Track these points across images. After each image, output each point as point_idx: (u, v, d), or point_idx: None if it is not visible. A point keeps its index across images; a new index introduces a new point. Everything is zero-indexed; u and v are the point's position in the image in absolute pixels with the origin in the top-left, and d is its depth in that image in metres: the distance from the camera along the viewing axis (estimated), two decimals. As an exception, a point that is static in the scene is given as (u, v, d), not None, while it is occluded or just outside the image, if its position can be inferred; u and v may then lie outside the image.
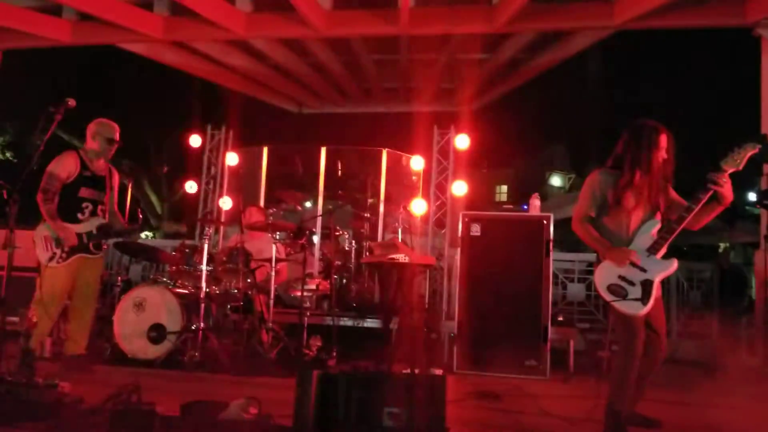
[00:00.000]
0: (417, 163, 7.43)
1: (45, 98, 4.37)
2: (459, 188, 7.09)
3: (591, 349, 5.78)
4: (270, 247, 5.39)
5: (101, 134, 4.68)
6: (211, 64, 9.22)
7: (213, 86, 10.39)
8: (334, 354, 5.19)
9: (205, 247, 5.28)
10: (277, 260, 5.39)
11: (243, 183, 7.63)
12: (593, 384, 3.45)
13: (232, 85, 10.10)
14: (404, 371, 3.88)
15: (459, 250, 5.53)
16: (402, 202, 7.28)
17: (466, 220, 5.49)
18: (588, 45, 8.17)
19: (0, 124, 19.06)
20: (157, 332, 4.98)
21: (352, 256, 6.81)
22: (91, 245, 4.57)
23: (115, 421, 2.91)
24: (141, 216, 5.09)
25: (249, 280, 5.38)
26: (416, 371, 4.00)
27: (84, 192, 4.59)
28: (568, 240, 6.86)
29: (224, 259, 5.54)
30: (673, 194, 3.33)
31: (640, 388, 3.35)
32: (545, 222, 5.35)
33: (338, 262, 6.56)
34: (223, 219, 7.37)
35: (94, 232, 4.59)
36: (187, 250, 5.46)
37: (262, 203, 7.65)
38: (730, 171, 3.07)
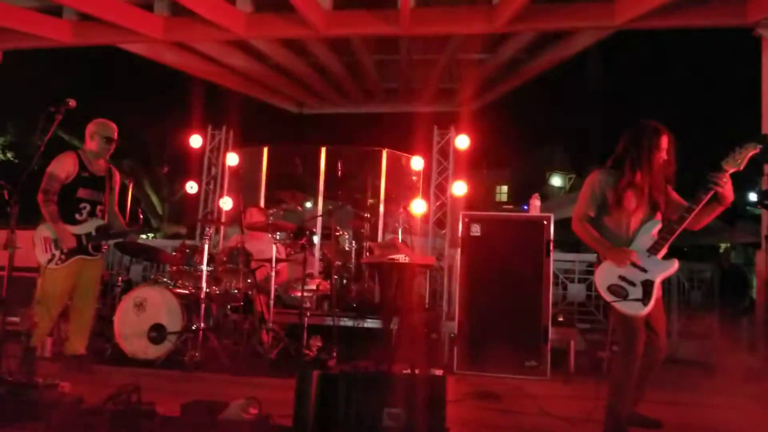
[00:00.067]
0: (417, 163, 7.43)
1: (45, 98, 4.37)
2: (459, 188, 7.09)
3: (591, 350, 5.77)
4: (270, 248, 5.39)
5: (99, 133, 4.68)
6: (212, 64, 9.22)
7: (213, 86, 10.39)
8: (334, 354, 5.19)
9: (206, 247, 5.28)
10: (278, 260, 5.40)
11: (243, 183, 7.64)
12: (593, 385, 3.44)
13: (232, 85, 10.10)
14: (404, 371, 3.89)
15: (459, 250, 5.53)
16: (402, 202, 7.28)
17: (467, 220, 5.48)
18: (588, 45, 8.17)
19: (1, 125, 19.06)
20: (157, 332, 4.98)
21: (352, 256, 6.81)
22: (90, 247, 4.58)
23: (115, 421, 2.92)
24: (141, 216, 5.09)
25: (249, 281, 5.39)
26: (416, 371, 4.01)
27: (82, 193, 4.59)
28: (568, 240, 6.87)
29: (224, 259, 5.55)
30: (674, 195, 3.33)
31: (640, 389, 3.35)
32: (545, 222, 5.34)
33: (338, 263, 6.56)
34: (223, 219, 7.38)
35: (93, 233, 4.59)
36: (187, 251, 5.47)
37: (262, 203, 7.66)
38: (731, 171, 3.07)
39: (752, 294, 8.09)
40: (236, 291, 5.29)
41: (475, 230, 5.44)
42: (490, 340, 5.21)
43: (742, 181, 3.27)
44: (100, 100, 12.85)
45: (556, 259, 6.34)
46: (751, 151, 3.05)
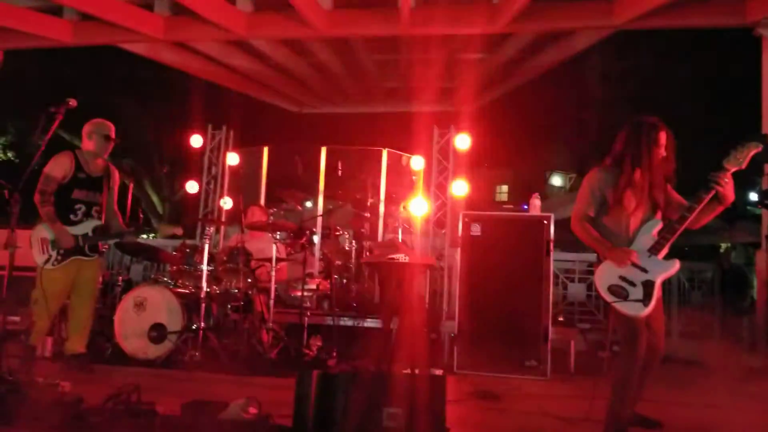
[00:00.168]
0: (417, 163, 7.43)
1: (46, 98, 4.37)
2: (459, 188, 7.09)
3: (592, 350, 5.78)
4: (270, 247, 5.39)
5: (96, 132, 4.67)
6: (212, 64, 9.21)
7: (214, 86, 10.39)
8: (334, 354, 5.19)
9: (206, 246, 5.28)
10: (278, 260, 5.40)
11: (243, 183, 7.64)
12: (594, 384, 3.44)
13: (232, 85, 10.09)
14: (404, 371, 3.89)
15: (459, 250, 5.52)
16: (402, 202, 7.28)
17: (467, 220, 5.48)
18: (588, 45, 8.17)
19: (1, 124, 19.06)
20: (157, 332, 4.98)
21: (352, 256, 6.82)
22: (86, 247, 4.57)
23: (115, 421, 2.92)
24: (142, 216, 5.10)
25: (249, 280, 5.39)
26: (416, 371, 4.00)
27: (77, 193, 4.59)
28: (568, 240, 6.86)
29: (225, 258, 5.55)
30: (674, 194, 3.31)
31: (640, 388, 3.35)
32: (546, 222, 5.34)
33: (338, 262, 6.56)
34: (223, 219, 7.38)
35: (90, 233, 4.59)
36: (187, 250, 5.47)
37: (262, 203, 7.66)
38: (733, 170, 3.05)
39: (752, 294, 8.09)
40: (236, 290, 5.29)
41: (475, 230, 5.43)
42: (490, 339, 5.21)
43: (742, 181, 3.26)
44: (100, 100, 12.87)
45: (556, 259, 6.34)
46: (753, 149, 3.03)
